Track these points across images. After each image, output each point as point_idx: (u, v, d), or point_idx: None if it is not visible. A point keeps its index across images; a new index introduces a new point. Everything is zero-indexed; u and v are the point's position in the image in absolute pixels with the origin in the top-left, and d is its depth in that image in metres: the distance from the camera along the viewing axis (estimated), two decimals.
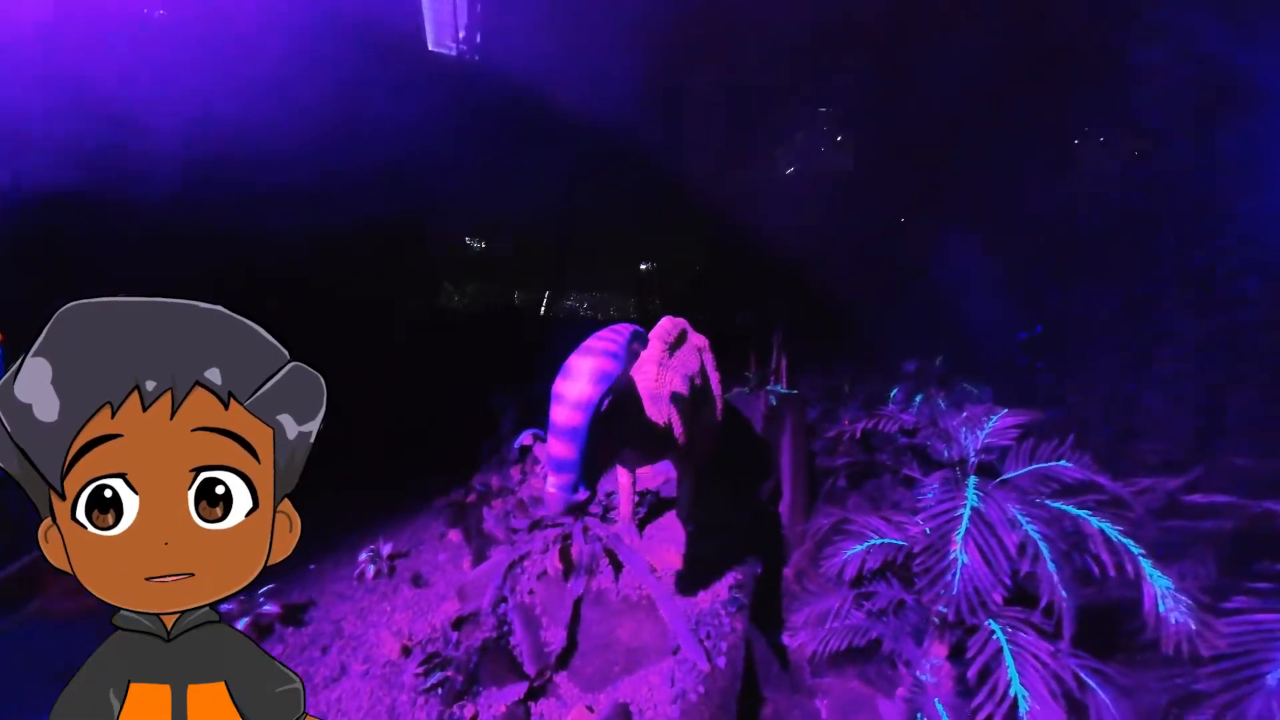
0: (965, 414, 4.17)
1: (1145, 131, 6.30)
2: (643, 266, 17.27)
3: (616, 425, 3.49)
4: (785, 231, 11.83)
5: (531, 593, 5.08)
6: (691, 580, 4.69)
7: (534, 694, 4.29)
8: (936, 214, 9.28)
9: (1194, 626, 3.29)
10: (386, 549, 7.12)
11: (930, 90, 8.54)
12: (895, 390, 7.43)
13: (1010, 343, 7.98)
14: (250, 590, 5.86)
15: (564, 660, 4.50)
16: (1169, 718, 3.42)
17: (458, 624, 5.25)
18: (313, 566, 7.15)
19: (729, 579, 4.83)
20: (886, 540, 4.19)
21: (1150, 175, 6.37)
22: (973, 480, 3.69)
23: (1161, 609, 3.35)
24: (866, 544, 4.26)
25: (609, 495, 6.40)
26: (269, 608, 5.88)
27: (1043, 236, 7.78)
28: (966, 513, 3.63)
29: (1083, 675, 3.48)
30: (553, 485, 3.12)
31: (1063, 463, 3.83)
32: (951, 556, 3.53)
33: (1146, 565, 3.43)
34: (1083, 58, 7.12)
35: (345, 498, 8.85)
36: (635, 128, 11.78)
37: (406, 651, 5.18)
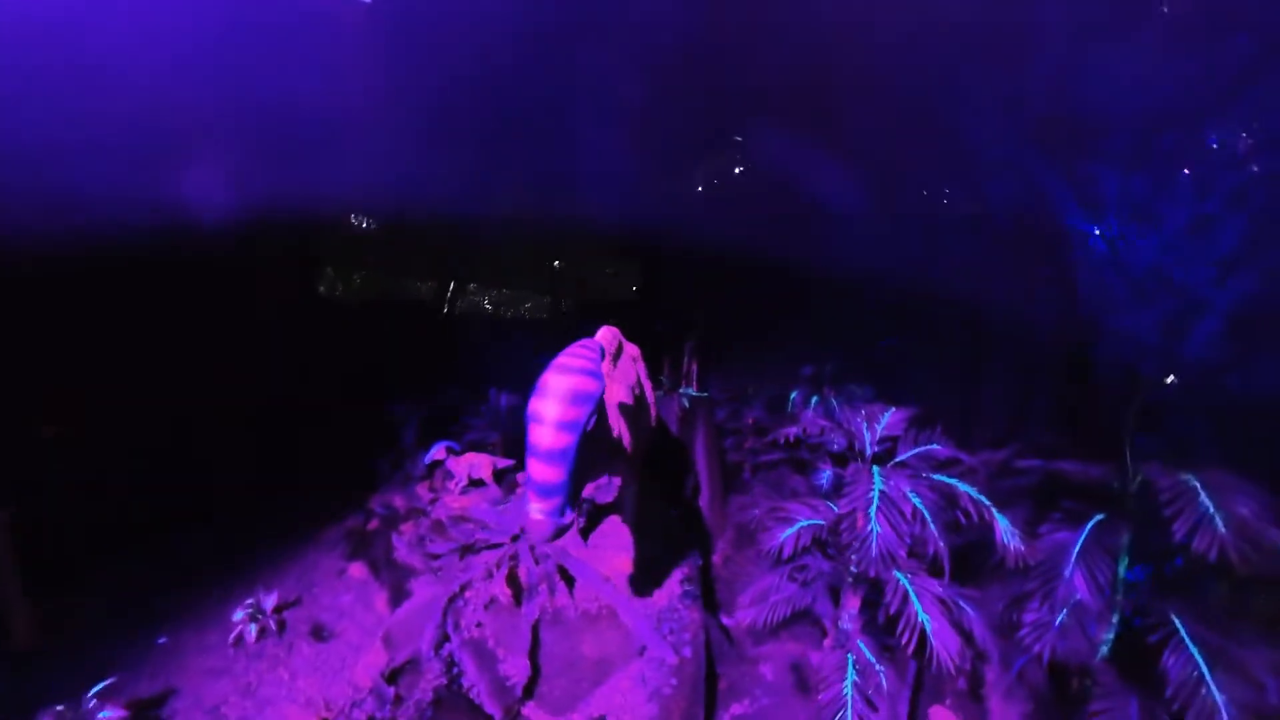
0: (864, 412, 4.81)
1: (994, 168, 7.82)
2: (555, 264, 15.72)
3: (598, 443, 3.35)
4: (696, 242, 12.23)
5: (480, 625, 4.62)
6: (646, 582, 4.71)
7: None
8: (823, 235, 10.51)
9: (1023, 548, 4.32)
10: (270, 599, 5.84)
11: (825, 122, 9.58)
12: (795, 392, 8.24)
13: (879, 349, 9.44)
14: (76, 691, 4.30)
15: (529, 690, 4.21)
16: (1009, 613, 4.46)
17: (392, 677, 4.57)
18: (163, 640, 5.57)
19: (678, 574, 4.96)
20: (813, 521, 4.70)
21: (984, 216, 8.01)
22: (876, 469, 4.31)
23: (1005, 540, 4.32)
24: (796, 526, 4.71)
25: None
26: (109, 714, 4.43)
27: (904, 265, 9.31)
28: (876, 493, 4.23)
29: (959, 600, 4.37)
30: (538, 511, 2.90)
31: (935, 445, 4.65)
32: (869, 528, 4.09)
33: (996, 512, 4.37)
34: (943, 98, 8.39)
35: (202, 538, 7.01)
36: (551, 123, 10.83)
37: None
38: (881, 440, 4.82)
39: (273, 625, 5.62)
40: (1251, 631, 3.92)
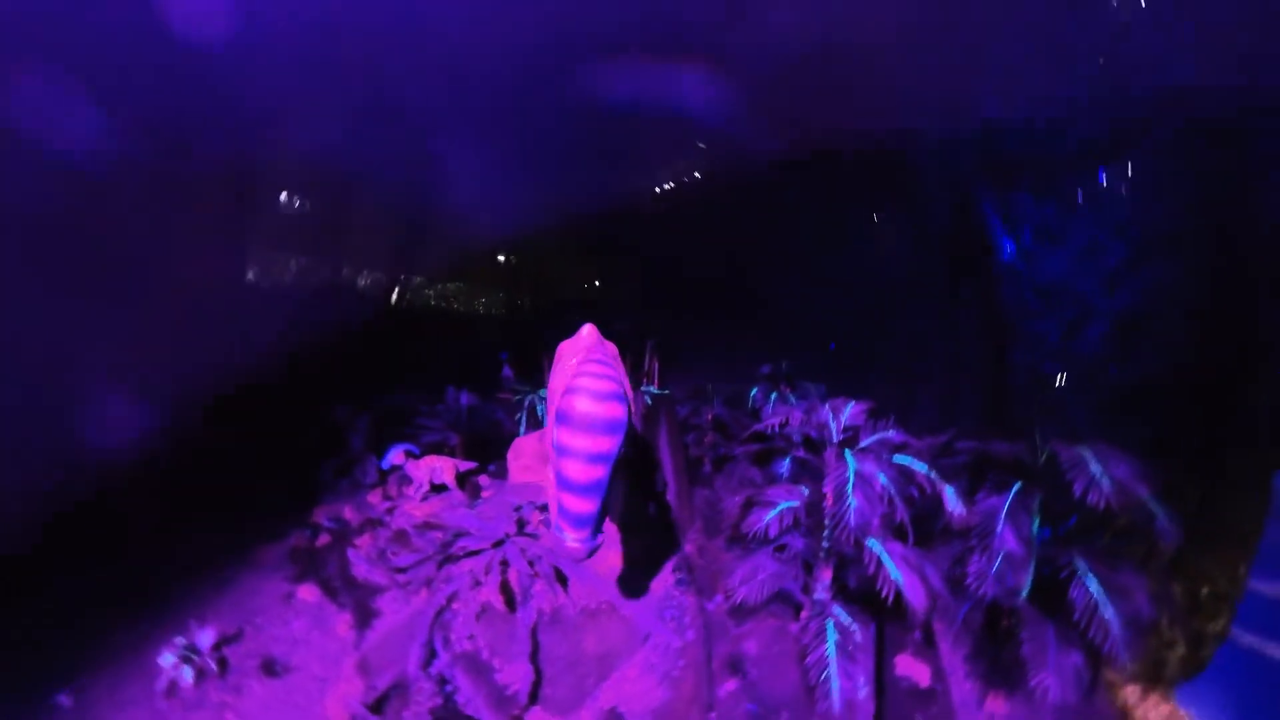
0: (830, 405, 5.21)
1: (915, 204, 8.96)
2: (510, 259, 14.51)
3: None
4: (655, 243, 12.21)
5: (472, 637, 4.37)
6: (641, 574, 4.74)
7: None
8: (778, 242, 11.09)
9: (964, 512, 4.95)
10: (206, 636, 5.06)
11: (783, 139, 10.12)
12: (754, 390, 8.61)
13: (828, 351, 10.22)
14: None
15: (533, 695, 4.08)
16: (954, 568, 5.08)
17: (376, 706, 4.20)
18: (64, 698, 4.61)
19: (668, 565, 5.04)
20: (791, 504, 5.01)
21: (922, 236, 9.05)
22: (849, 453, 4.69)
23: (951, 507, 4.92)
24: (779, 508, 4.99)
25: (517, 509, 5.84)
26: None
27: (852, 276, 10.25)
28: (851, 473, 4.61)
29: (919, 560, 4.90)
30: (575, 540, 2.82)
31: (890, 432, 5.16)
32: (847, 503, 4.47)
33: (943, 485, 4.95)
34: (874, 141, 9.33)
35: (105, 575, 5.79)
36: (507, 115, 10.06)
37: None
38: (845, 429, 5.25)
39: (212, 665, 4.88)
40: (1128, 565, 4.82)
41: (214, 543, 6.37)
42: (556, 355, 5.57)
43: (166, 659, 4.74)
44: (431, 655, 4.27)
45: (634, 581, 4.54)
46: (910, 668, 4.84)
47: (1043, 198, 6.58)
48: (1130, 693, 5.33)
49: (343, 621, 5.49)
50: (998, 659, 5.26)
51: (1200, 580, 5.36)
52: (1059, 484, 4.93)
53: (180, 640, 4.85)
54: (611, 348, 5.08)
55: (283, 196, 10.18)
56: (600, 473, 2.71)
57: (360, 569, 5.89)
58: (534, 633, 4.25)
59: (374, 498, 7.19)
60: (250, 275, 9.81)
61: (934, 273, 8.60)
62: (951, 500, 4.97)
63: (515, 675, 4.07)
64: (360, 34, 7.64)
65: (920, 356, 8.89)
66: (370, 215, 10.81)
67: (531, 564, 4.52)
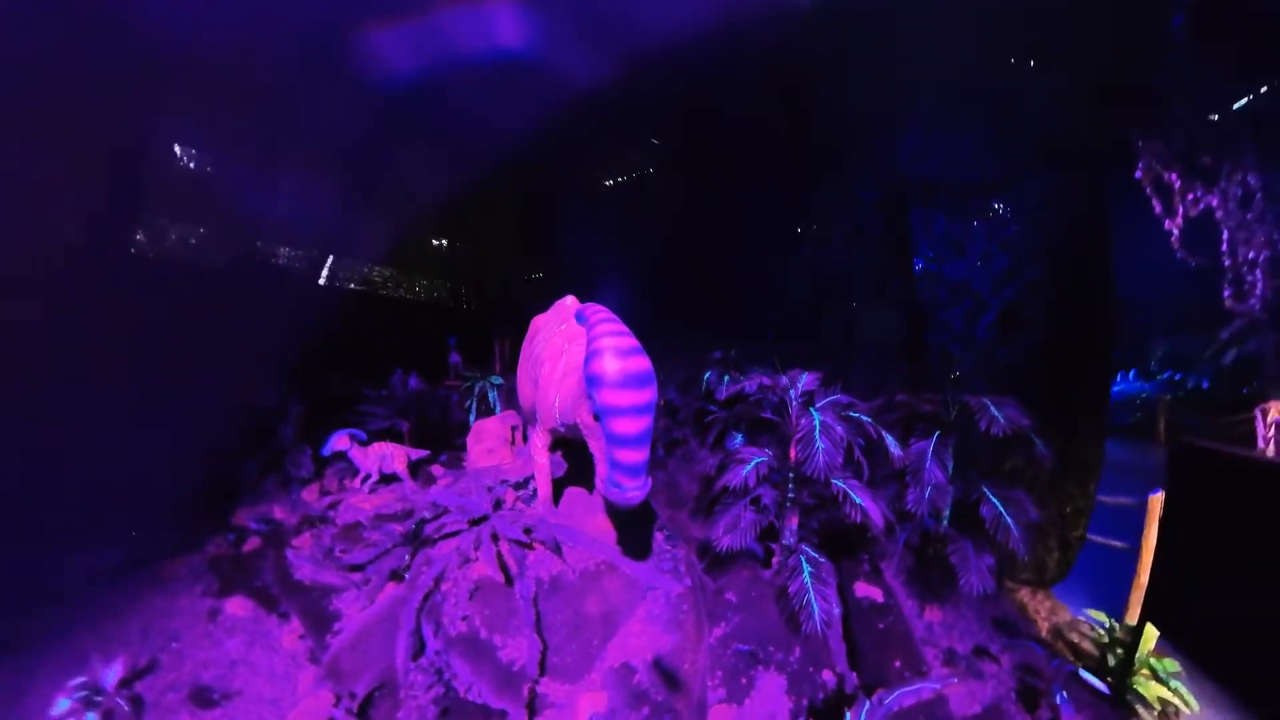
0: (787, 375, 5.72)
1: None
2: (445, 244, 13.23)
3: None
4: (603, 236, 12.15)
5: (466, 618, 4.11)
6: (633, 532, 4.82)
7: (526, 718, 3.67)
8: (725, 242, 11.81)
9: (901, 453, 5.72)
10: (111, 672, 4.15)
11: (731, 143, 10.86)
12: (708, 373, 9.01)
13: (768, 340, 11.06)
14: None
15: (540, 667, 3.96)
16: (895, 500, 5.81)
17: (361, 712, 3.79)
18: None
19: (653, 524, 5.16)
20: (760, 459, 5.41)
21: (857, 239, 10.33)
22: (813, 409, 5.20)
23: (892, 449, 5.66)
24: (753, 462, 5.35)
25: (489, 489, 5.57)
26: None
27: (793, 273, 11.35)
28: (817, 422, 5.10)
29: (872, 497, 5.54)
30: (636, 490, 2.93)
31: (839, 396, 5.79)
32: (815, 446, 4.95)
33: (885, 433, 5.66)
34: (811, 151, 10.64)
35: None
36: (447, 97, 9.28)
37: None
38: (802, 394, 5.78)
39: (124, 706, 4.02)
40: (1019, 488, 5.92)
41: (108, 559, 5.18)
42: (531, 330, 5.40)
43: (61, 706, 3.81)
44: (420, 646, 3.94)
45: (627, 541, 4.58)
46: (865, 591, 5.48)
47: (951, 216, 8.17)
48: (1024, 594, 6.52)
49: (289, 633, 4.82)
50: (929, 581, 6.14)
51: (1065, 500, 6.72)
52: (968, 434, 5.95)
53: (80, 681, 3.92)
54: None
55: (179, 154, 8.41)
56: (648, 422, 2.82)
57: (304, 571, 5.19)
58: (535, 603, 4.11)
59: (309, 494, 6.33)
60: (139, 246, 7.97)
61: (865, 272, 10.03)
62: (893, 445, 5.74)
63: (519, 650, 3.90)
64: None
65: (852, 341, 10.24)
66: (289, 183, 9.41)
67: (528, 531, 4.35)
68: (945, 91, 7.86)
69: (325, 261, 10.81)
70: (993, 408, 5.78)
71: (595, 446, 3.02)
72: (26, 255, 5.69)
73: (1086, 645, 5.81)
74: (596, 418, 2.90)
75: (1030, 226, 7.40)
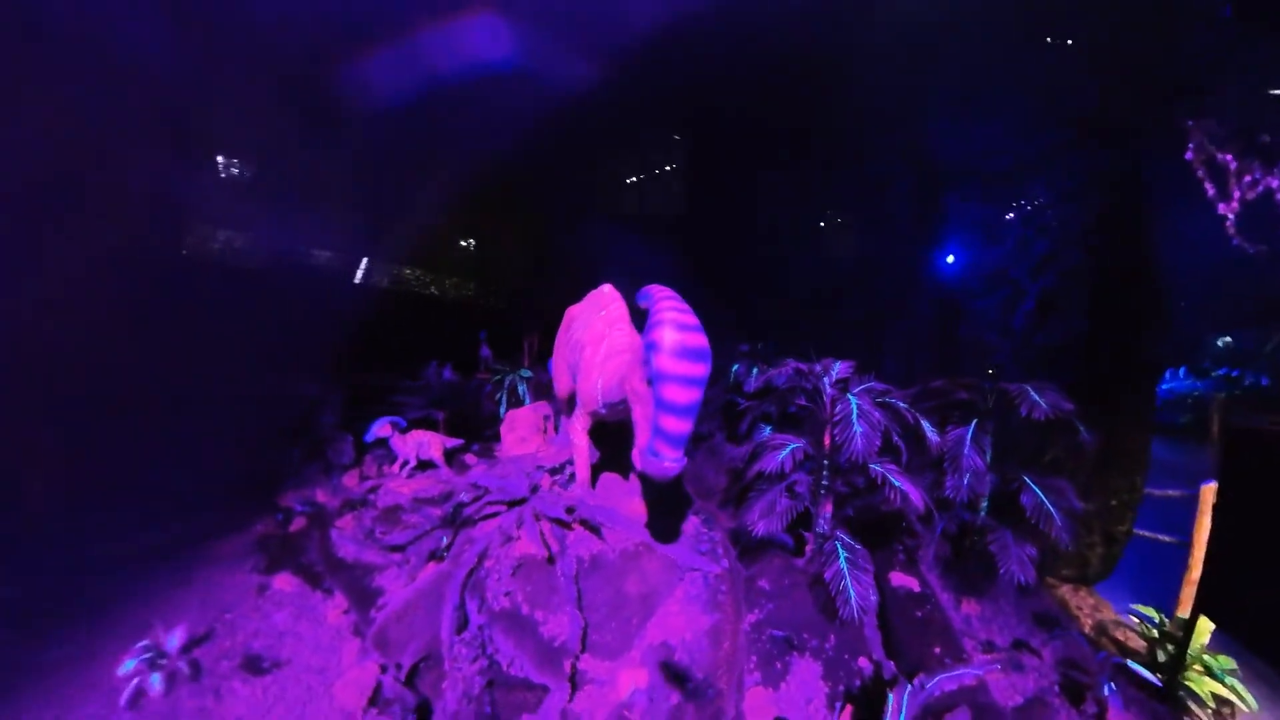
0: (820, 364, 5.68)
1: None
2: (472, 244, 13.59)
3: None
4: (629, 236, 12.31)
5: (509, 594, 4.20)
6: (668, 515, 4.85)
7: (569, 693, 3.73)
8: (750, 235, 11.84)
9: (939, 440, 5.63)
10: (174, 637, 4.36)
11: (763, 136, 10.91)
12: (736, 366, 9.01)
13: (799, 332, 11.06)
14: None
15: (581, 643, 4.02)
16: (931, 489, 5.72)
17: (409, 679, 3.90)
18: None
19: (688, 508, 5.18)
20: (797, 445, 5.38)
21: (887, 223, 10.26)
22: (850, 394, 5.16)
23: (929, 436, 5.57)
24: (789, 448, 5.33)
25: (527, 474, 5.67)
26: None
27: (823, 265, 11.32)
28: (855, 406, 5.06)
29: (912, 481, 5.47)
30: (671, 460, 2.97)
31: (874, 383, 5.73)
32: (854, 429, 4.91)
33: (922, 419, 5.58)
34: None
35: (50, 575, 4.69)
36: (474, 101, 9.53)
37: None
38: (836, 383, 5.73)
39: (184, 669, 4.22)
40: (1060, 477, 5.77)
41: (164, 538, 5.45)
42: (566, 319, 5.50)
43: (128, 665, 4.02)
44: (464, 620, 4.04)
45: (663, 524, 4.61)
46: (901, 580, 5.40)
47: (985, 201, 7.97)
48: (1065, 590, 6.35)
49: (333, 607, 4.98)
50: (965, 574, 6.03)
51: (1109, 493, 6.51)
52: (1006, 422, 5.83)
53: (146, 644, 4.13)
54: (622, 305, 5.12)
55: (222, 163, 8.91)
56: (698, 395, 2.88)
57: (347, 550, 5.36)
58: (576, 581, 4.17)
59: (350, 479, 6.53)
60: (188, 249, 8.46)
61: (893, 262, 9.91)
62: (930, 430, 5.66)
63: (560, 626, 3.97)
64: None
65: (880, 333, 10.14)
66: (325, 190, 9.77)
67: (570, 510, 4.43)
68: (977, 72, 7.67)
69: (360, 263, 11.20)
70: (1033, 393, 5.64)
71: (640, 414, 3.08)
72: (102, 261, 6.06)
73: (1133, 642, 5.63)
74: (650, 382, 2.95)
75: (1069, 210, 7.17)
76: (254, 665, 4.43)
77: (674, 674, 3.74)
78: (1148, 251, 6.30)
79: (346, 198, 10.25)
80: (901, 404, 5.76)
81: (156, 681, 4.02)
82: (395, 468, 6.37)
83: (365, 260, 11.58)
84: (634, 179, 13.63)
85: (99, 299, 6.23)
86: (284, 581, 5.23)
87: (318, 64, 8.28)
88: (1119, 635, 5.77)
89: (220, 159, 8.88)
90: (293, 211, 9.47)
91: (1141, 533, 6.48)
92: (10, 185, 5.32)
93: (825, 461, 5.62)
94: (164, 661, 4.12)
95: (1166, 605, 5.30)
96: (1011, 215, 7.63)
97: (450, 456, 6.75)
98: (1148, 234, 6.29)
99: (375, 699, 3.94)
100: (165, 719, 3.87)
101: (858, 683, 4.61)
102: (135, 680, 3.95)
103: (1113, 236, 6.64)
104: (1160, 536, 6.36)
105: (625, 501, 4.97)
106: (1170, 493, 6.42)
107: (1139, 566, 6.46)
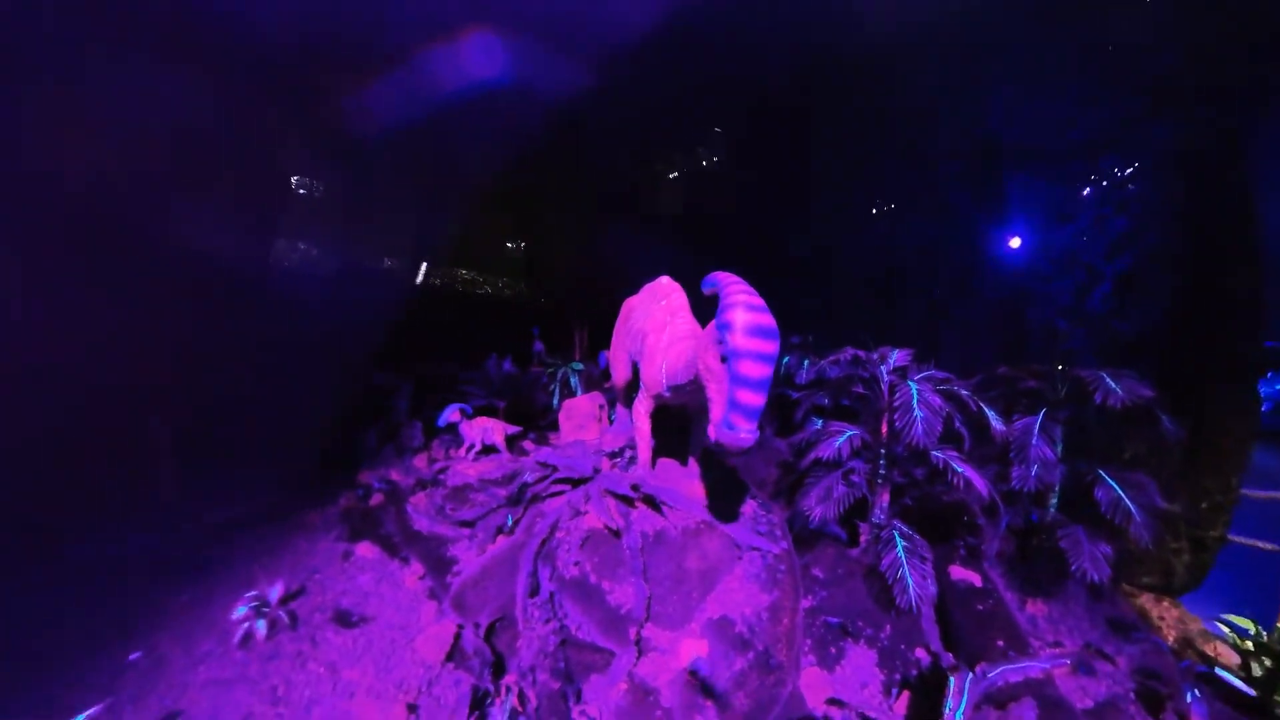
0: (877, 352, 5.65)
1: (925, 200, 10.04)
2: (520, 245, 14.42)
3: None
4: (670, 227, 12.54)
5: (578, 564, 4.44)
6: (728, 496, 4.96)
7: (634, 656, 3.92)
8: (799, 225, 11.79)
9: (1004, 429, 5.47)
10: (275, 590, 4.87)
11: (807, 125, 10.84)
12: (787, 358, 9.03)
13: (848, 322, 10.94)
14: None
15: (646, 611, 4.20)
16: (997, 481, 5.56)
17: (487, 636, 4.21)
18: (136, 656, 4.35)
19: (745, 490, 5.28)
20: (853, 431, 5.38)
21: (947, 208, 9.97)
22: (911, 381, 5.11)
23: (994, 424, 5.43)
24: (846, 435, 5.34)
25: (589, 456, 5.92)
26: None
27: (880, 254, 11.10)
28: (915, 391, 5.01)
29: (975, 469, 5.35)
30: (748, 433, 3.16)
31: (933, 371, 5.64)
32: (914, 415, 4.87)
33: (986, 407, 5.45)
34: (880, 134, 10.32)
35: (163, 536, 5.42)
36: (517, 107, 10.02)
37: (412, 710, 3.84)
38: (894, 371, 5.68)
39: (284, 618, 4.70)
40: (1140, 471, 5.47)
41: (262, 507, 6.10)
42: (624, 310, 5.73)
43: (240, 611, 4.54)
44: (536, 586, 4.31)
45: (723, 506, 4.74)
46: (962, 574, 5.27)
47: (1053, 180, 7.56)
48: (1145, 599, 5.98)
49: (410, 574, 5.40)
50: (1031, 573, 5.80)
51: (1199, 495, 6.08)
52: (1080, 413, 5.57)
53: (253, 594, 4.65)
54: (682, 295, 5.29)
55: (298, 183, 9.93)
56: (769, 370, 3.06)
57: (421, 523, 5.78)
58: (640, 553, 4.36)
59: (420, 461, 7.03)
60: (274, 258, 9.55)
61: (951, 249, 9.56)
62: (995, 419, 5.51)
63: (626, 596, 4.17)
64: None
65: (937, 322, 9.81)
66: (387, 201, 10.61)
67: (635, 487, 4.64)
68: (1039, 38, 7.19)
69: (420, 267, 12.07)
70: (1109, 379, 5.37)
71: (715, 390, 3.25)
72: (208, 272, 6.92)
73: (1224, 655, 5.26)
74: (724, 359, 3.14)
75: (1151, 185, 6.63)
76: (344, 619, 4.88)
77: (738, 641, 3.87)
78: (1245, 226, 5.79)
79: (405, 208, 10.97)
80: (964, 391, 5.62)
81: (261, 626, 4.52)
82: (461, 451, 6.80)
83: (424, 264, 12.39)
84: (676, 174, 13.79)
85: (213, 306, 7.07)
86: (366, 549, 5.70)
87: (377, 93, 8.81)
88: (1208, 649, 5.40)
89: (294, 179, 9.76)
90: (360, 223, 10.27)
91: (1237, 538, 6.03)
92: (151, 196, 6.09)
93: (882, 450, 5.59)
94: (267, 610, 4.61)
95: (1266, 618, 4.93)
96: (1088, 191, 7.17)
97: (511, 442, 7.13)
98: (1244, 206, 5.79)
99: (453, 653, 4.28)
100: (269, 659, 4.34)
101: (914, 672, 4.57)
102: (245, 625, 4.45)
103: (1202, 210, 6.12)
104: (1259, 543, 5.90)
105: (684, 484, 5.13)
106: (1275, 495, 5.95)
107: (1233, 577, 6.00)
